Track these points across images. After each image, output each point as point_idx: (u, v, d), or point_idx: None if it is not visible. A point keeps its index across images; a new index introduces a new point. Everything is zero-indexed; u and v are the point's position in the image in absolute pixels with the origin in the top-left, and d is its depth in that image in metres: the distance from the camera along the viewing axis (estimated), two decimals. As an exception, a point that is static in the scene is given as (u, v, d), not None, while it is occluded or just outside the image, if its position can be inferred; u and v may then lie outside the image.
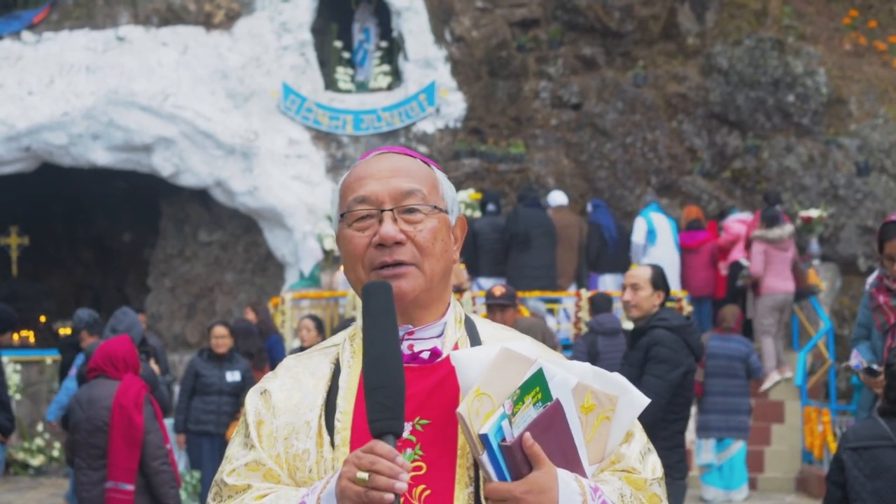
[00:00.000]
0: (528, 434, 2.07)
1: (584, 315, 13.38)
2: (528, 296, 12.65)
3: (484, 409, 2.08)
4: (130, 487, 6.84)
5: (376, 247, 2.22)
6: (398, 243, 2.21)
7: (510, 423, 2.09)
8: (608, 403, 2.19)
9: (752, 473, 12.52)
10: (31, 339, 19.37)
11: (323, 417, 2.21)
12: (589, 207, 15.33)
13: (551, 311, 13.64)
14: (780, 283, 13.30)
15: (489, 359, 2.13)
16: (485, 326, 2.36)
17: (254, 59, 16.52)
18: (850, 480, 5.27)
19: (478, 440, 2.07)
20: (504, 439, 2.08)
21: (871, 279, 6.15)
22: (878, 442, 5.26)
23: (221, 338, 10.42)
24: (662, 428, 6.62)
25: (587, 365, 2.22)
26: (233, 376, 10.32)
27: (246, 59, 16.47)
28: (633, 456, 2.25)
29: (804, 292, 13.69)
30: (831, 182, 16.43)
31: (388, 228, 2.21)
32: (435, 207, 2.25)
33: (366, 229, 2.24)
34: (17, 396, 14.90)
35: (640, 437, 2.30)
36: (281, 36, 16.72)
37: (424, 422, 2.18)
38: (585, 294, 13.70)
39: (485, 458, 2.07)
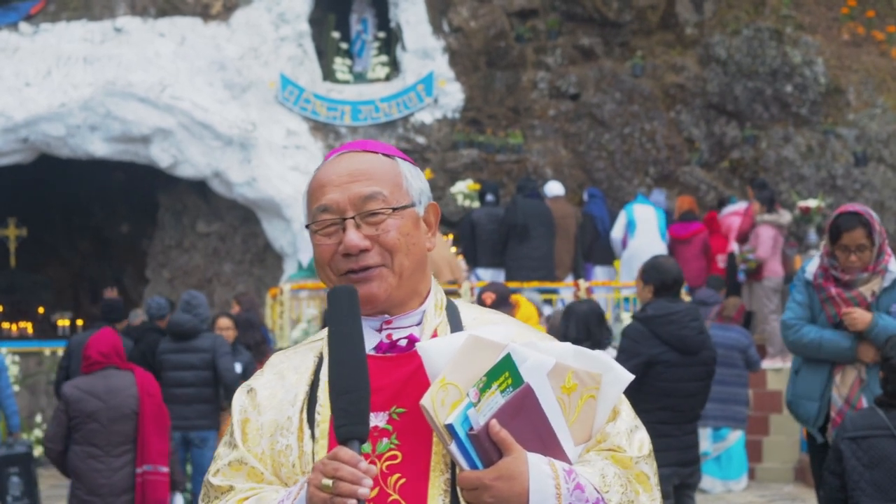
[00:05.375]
0: (494, 421, 2.05)
1: (583, 305, 13.38)
2: (525, 286, 12.65)
3: (450, 399, 2.07)
4: (167, 469, 7.38)
5: (343, 255, 2.23)
6: (364, 250, 2.22)
7: (476, 411, 2.07)
8: (591, 382, 2.16)
9: (751, 463, 12.54)
10: (30, 331, 19.37)
11: (304, 411, 2.22)
12: (585, 196, 15.34)
13: (549, 302, 13.63)
14: (779, 267, 13.67)
15: (455, 347, 2.12)
16: (468, 311, 2.36)
17: (251, 50, 16.50)
18: (848, 470, 5.28)
19: (444, 430, 2.06)
20: (472, 428, 2.06)
21: (812, 269, 6.11)
22: (877, 432, 5.27)
23: (226, 329, 10.49)
24: None
25: (568, 345, 2.20)
26: (236, 368, 10.35)
27: (243, 50, 16.45)
28: (619, 434, 2.23)
29: (788, 278, 13.93)
30: (829, 172, 16.44)
31: (352, 237, 2.21)
32: (397, 208, 2.25)
33: (331, 235, 2.25)
34: (16, 388, 14.90)
35: (627, 414, 2.27)
36: (278, 27, 16.70)
37: (401, 410, 2.18)
38: (584, 284, 13.71)
39: (453, 447, 2.06)
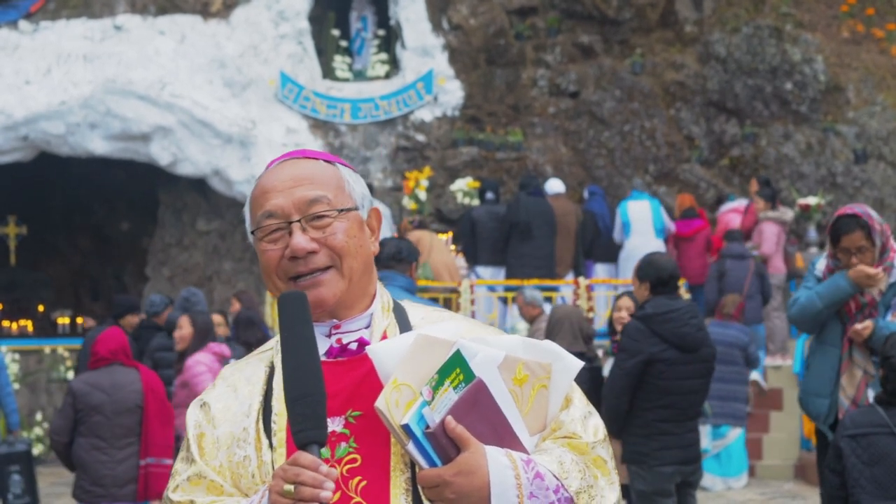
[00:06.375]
0: (449, 418, 2.07)
1: (582, 303, 13.38)
2: (526, 283, 12.65)
3: (404, 400, 2.08)
4: (170, 462, 7.65)
5: (290, 258, 2.24)
6: (311, 252, 2.24)
7: (431, 409, 2.08)
8: (542, 372, 2.18)
9: (751, 461, 12.55)
10: (30, 329, 19.36)
11: (260, 421, 2.24)
12: (585, 194, 15.34)
13: (549, 300, 13.63)
14: (782, 264, 13.71)
15: (405, 348, 2.13)
16: (415, 311, 2.38)
17: (251, 48, 16.50)
18: (848, 468, 5.29)
19: (401, 431, 2.07)
20: (428, 426, 2.08)
21: (821, 267, 6.13)
22: (877, 429, 5.28)
23: (217, 326, 10.53)
24: (636, 416, 6.69)
25: (516, 337, 2.22)
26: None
27: (243, 48, 16.44)
28: (574, 421, 2.25)
29: (790, 275, 13.99)
30: (829, 170, 16.45)
31: (299, 240, 2.23)
32: (342, 210, 2.27)
33: (277, 241, 2.27)
34: (16, 386, 14.91)
35: (580, 401, 2.30)
36: (278, 24, 16.69)
37: (357, 413, 2.20)
38: (583, 282, 13.70)
39: (411, 447, 2.08)
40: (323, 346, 2.25)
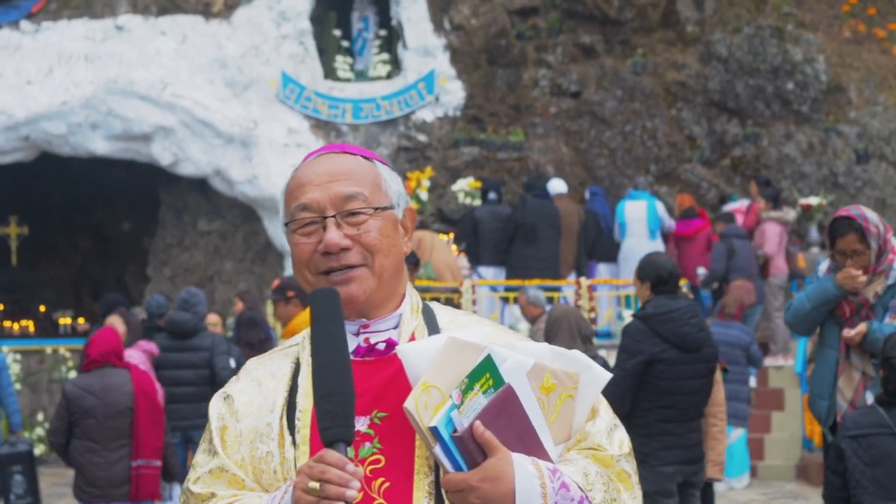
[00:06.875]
0: (478, 422, 2.06)
1: (584, 303, 13.37)
2: (527, 284, 12.64)
3: (433, 402, 2.07)
4: (159, 463, 7.78)
5: (323, 253, 2.23)
6: (344, 249, 2.22)
7: (460, 412, 2.07)
8: (569, 382, 2.17)
9: (753, 461, 12.55)
10: (31, 329, 19.37)
11: (284, 418, 2.22)
12: (587, 194, 15.33)
13: (551, 300, 13.62)
14: (784, 264, 13.73)
15: (436, 350, 2.11)
16: (444, 313, 2.37)
17: (252, 48, 16.50)
18: (849, 469, 5.28)
19: (428, 433, 2.06)
20: (455, 430, 2.08)
21: (823, 269, 6.15)
22: (878, 430, 5.27)
23: (213, 325, 10.59)
24: (637, 416, 6.69)
25: (545, 345, 2.21)
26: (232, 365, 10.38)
27: (245, 48, 16.44)
28: (600, 433, 2.24)
29: (792, 275, 14.01)
30: (831, 170, 16.44)
31: (333, 236, 2.21)
32: (378, 208, 2.26)
33: (311, 234, 2.25)
34: (18, 386, 14.91)
35: (606, 413, 2.29)
36: (280, 25, 16.70)
37: (382, 414, 2.19)
38: (585, 282, 13.70)
39: (438, 450, 2.07)
40: (351, 344, 2.23)
